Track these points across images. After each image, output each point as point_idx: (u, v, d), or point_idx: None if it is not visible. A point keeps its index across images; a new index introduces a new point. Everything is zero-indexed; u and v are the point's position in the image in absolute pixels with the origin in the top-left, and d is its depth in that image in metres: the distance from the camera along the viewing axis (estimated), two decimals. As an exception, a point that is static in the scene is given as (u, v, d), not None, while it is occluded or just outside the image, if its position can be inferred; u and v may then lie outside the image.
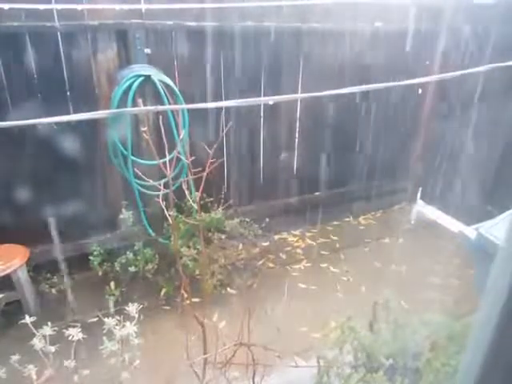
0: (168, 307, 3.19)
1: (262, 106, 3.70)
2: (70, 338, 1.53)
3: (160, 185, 2.06)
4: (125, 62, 3.05)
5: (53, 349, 1.57)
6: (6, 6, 2.63)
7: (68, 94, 3.00)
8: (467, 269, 3.01)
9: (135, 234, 3.31)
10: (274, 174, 4.05)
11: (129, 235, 3.32)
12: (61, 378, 1.65)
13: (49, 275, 3.30)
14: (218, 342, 1.82)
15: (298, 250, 4.01)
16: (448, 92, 4.32)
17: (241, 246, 3.66)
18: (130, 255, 3.15)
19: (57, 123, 2.81)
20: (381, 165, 4.55)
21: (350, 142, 4.35)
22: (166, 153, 2.05)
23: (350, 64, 3.89)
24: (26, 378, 1.56)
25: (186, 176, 3.04)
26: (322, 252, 3.99)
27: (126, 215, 3.15)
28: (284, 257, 3.91)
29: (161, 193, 1.85)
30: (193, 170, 1.81)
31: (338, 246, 4.10)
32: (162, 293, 3.25)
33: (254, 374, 1.85)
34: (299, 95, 3.80)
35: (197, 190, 2.93)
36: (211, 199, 3.59)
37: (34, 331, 1.57)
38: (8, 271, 2.84)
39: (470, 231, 2.35)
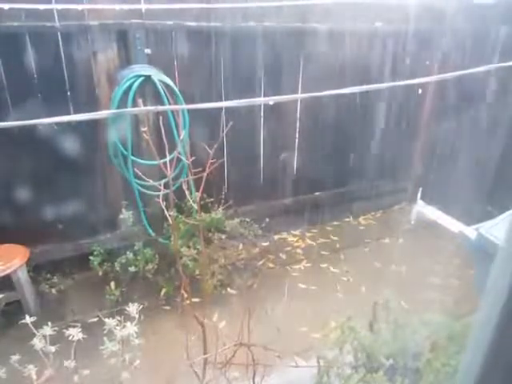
0: (168, 307, 3.19)
1: (262, 106, 3.70)
2: (70, 338, 1.52)
3: (160, 185, 2.06)
4: (125, 62, 3.06)
5: (53, 349, 1.57)
6: (6, 6, 2.63)
7: (68, 94, 3.01)
8: (467, 269, 3.01)
9: (135, 233, 3.31)
10: (274, 174, 4.05)
11: (129, 235, 3.32)
12: (61, 378, 1.64)
13: (49, 275, 3.30)
14: (218, 342, 1.82)
15: (298, 250, 4.01)
16: (448, 92, 4.32)
17: (241, 246, 3.66)
18: (130, 255, 3.15)
19: (57, 123, 2.82)
20: (381, 165, 4.54)
21: (350, 142, 4.35)
22: (167, 153, 2.05)
23: (350, 64, 3.89)
24: (26, 378, 1.56)
25: (187, 176, 3.04)
26: (322, 252, 3.99)
27: (126, 215, 3.15)
28: (284, 257, 3.91)
29: (161, 193, 1.85)
30: (193, 170, 1.81)
31: (338, 246, 4.10)
32: (162, 293, 3.25)
33: (254, 374, 1.85)
34: (299, 95, 3.79)
35: (197, 190, 2.92)
36: (211, 199, 3.59)
37: (34, 331, 1.57)
38: (8, 271, 2.84)
39: (470, 231, 2.35)
